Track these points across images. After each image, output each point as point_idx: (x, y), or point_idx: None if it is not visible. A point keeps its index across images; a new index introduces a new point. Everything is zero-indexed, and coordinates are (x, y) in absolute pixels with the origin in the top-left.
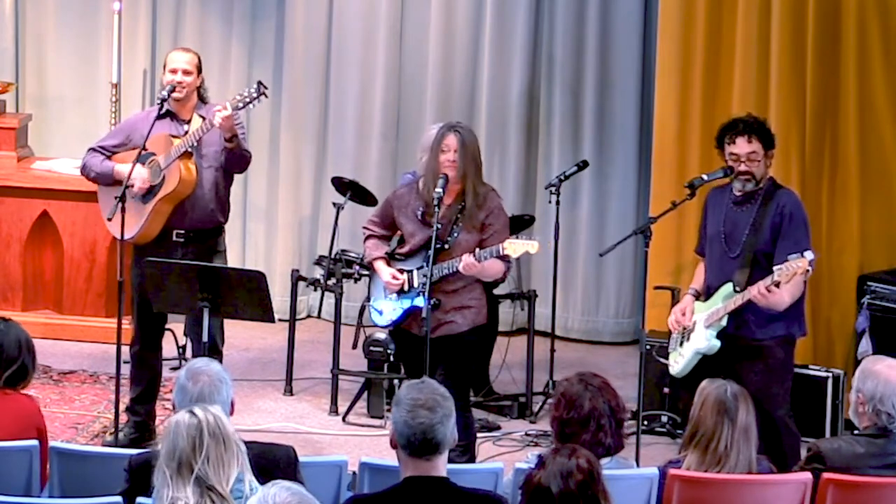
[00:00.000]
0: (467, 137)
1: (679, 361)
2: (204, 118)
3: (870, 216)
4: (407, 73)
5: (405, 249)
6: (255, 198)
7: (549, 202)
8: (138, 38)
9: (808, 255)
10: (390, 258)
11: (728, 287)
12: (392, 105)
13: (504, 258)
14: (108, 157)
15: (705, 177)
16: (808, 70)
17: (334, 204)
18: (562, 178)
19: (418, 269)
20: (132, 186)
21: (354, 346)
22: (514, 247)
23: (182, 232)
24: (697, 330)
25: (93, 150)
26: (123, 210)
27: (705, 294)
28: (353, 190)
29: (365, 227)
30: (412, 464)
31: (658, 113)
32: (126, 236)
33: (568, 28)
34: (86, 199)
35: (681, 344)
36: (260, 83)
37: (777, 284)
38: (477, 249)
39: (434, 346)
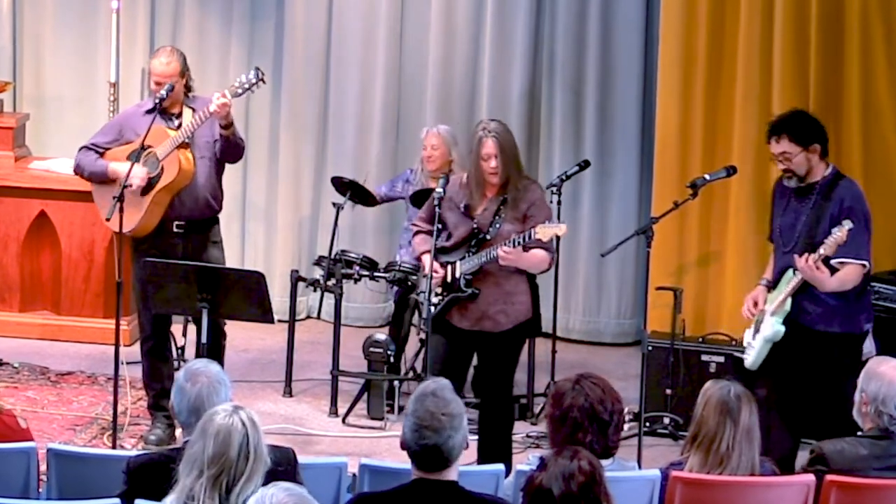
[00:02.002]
0: (504, 139)
1: (751, 353)
2: (194, 109)
3: (873, 216)
4: (407, 72)
5: (450, 242)
6: (255, 197)
7: (551, 202)
8: (137, 38)
9: (847, 223)
10: (437, 251)
11: (789, 272)
12: (392, 105)
13: (542, 245)
14: (101, 155)
15: (707, 177)
16: (811, 70)
17: (334, 204)
18: (563, 177)
19: (461, 259)
20: (131, 186)
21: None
22: (545, 230)
23: (182, 223)
24: (766, 319)
25: (85, 148)
26: (122, 210)
27: (774, 284)
28: (352, 190)
29: (413, 224)
30: (421, 471)
31: (660, 112)
32: (125, 229)
33: (569, 27)
34: (84, 198)
35: (753, 337)
36: (258, 69)
37: (826, 261)
38: (512, 235)
39: (471, 339)
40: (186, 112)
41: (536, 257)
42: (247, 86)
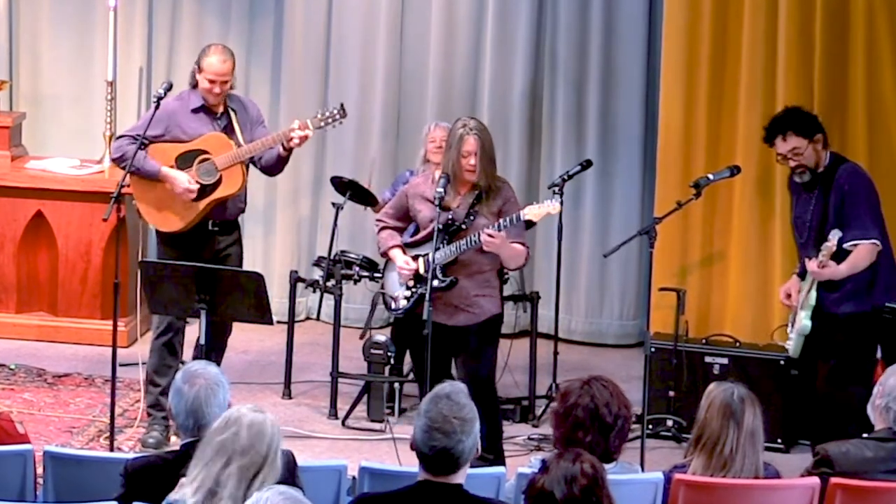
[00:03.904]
0: (484, 139)
1: (790, 344)
2: (236, 111)
3: None
4: (407, 71)
5: (422, 235)
6: (253, 198)
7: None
8: (134, 36)
9: (835, 234)
10: (406, 246)
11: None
12: (392, 104)
13: (521, 241)
14: (145, 147)
15: (711, 176)
16: (816, 67)
17: (333, 204)
18: (565, 177)
19: (435, 251)
20: (127, 189)
21: (362, 336)
22: (535, 211)
23: (217, 222)
24: (798, 313)
25: (130, 137)
26: (119, 210)
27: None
28: (352, 190)
29: (378, 220)
30: (429, 473)
31: (663, 111)
32: (171, 229)
33: (571, 25)
34: (81, 199)
35: (792, 325)
36: (342, 105)
37: (841, 246)
38: (499, 221)
39: (452, 335)
40: (230, 113)
41: (516, 249)
42: (329, 120)
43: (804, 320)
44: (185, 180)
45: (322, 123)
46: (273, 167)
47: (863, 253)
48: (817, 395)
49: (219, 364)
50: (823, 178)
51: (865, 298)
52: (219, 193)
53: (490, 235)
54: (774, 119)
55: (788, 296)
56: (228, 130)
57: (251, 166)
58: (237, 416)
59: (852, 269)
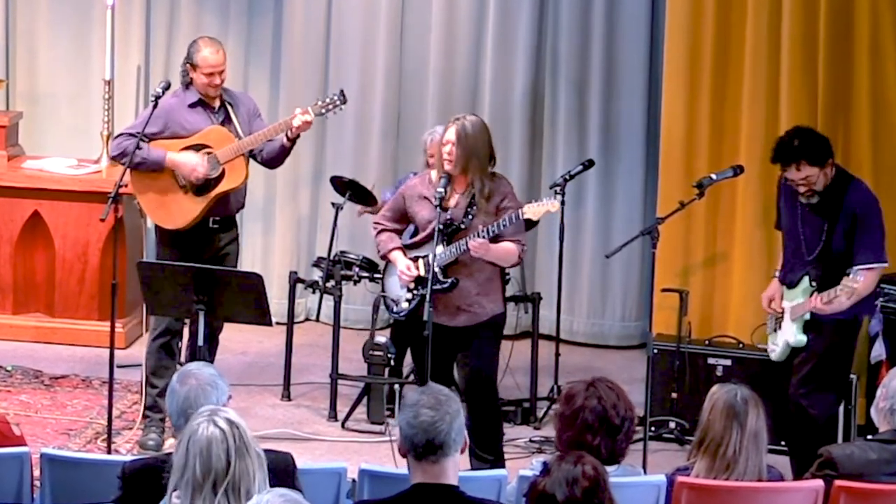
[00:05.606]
0: (468, 130)
1: (774, 350)
2: (233, 104)
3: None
4: (408, 70)
5: (421, 236)
6: (253, 197)
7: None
8: (132, 34)
9: (860, 276)
10: (406, 247)
11: (806, 281)
12: (392, 103)
13: (511, 238)
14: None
15: (714, 176)
16: (820, 66)
17: (333, 204)
18: (567, 177)
19: (435, 252)
20: (126, 185)
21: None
22: (534, 209)
23: (218, 218)
24: (786, 320)
25: (130, 135)
26: (117, 210)
27: (786, 280)
28: (352, 190)
29: (376, 223)
30: (419, 469)
31: (665, 111)
32: (176, 226)
33: (573, 24)
34: (78, 199)
35: (775, 330)
36: (342, 91)
37: (847, 263)
38: (486, 226)
39: (453, 336)
40: (227, 106)
41: (505, 250)
42: (330, 106)
43: (798, 335)
44: (193, 160)
45: (322, 110)
46: (275, 159)
47: (869, 279)
48: (789, 399)
49: (212, 362)
50: (829, 197)
51: (857, 305)
52: (223, 187)
53: (475, 244)
54: (786, 146)
55: (771, 300)
56: (226, 123)
57: (252, 160)
58: (188, 446)
59: (857, 299)
